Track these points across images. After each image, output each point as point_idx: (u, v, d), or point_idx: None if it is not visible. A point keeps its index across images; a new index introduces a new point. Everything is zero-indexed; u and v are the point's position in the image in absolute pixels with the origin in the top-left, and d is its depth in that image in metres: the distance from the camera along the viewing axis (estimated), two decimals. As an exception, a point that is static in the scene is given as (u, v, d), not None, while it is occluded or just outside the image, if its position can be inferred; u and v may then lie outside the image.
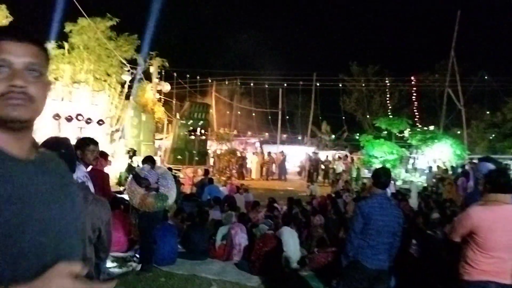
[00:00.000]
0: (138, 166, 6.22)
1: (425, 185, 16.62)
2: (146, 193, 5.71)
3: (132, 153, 10.64)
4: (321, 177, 22.25)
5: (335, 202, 10.24)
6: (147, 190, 5.76)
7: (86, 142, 3.84)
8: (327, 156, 23.25)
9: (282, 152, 24.36)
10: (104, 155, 5.92)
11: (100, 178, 5.66)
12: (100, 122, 13.60)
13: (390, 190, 16.22)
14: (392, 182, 17.15)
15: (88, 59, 20.51)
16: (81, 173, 3.49)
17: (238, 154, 23.21)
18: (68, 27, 20.19)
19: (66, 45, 20.40)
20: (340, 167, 20.77)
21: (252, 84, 28.26)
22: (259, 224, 7.19)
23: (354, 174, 18.64)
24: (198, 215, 10.06)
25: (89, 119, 12.61)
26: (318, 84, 26.07)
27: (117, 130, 19.21)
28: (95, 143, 3.99)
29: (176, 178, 13.33)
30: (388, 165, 19.14)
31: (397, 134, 21.80)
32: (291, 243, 6.35)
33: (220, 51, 33.86)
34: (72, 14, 19.77)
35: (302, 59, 35.13)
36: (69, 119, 12.22)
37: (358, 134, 29.79)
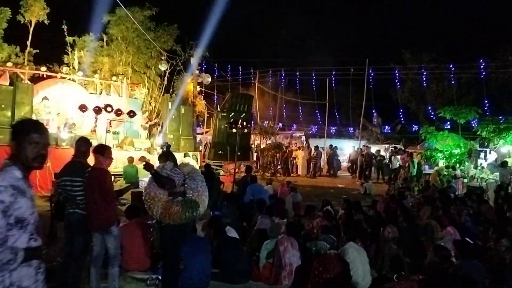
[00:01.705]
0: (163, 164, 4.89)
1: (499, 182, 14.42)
2: (171, 200, 4.40)
3: (167, 147, 9.37)
4: (374, 173, 20.39)
5: (402, 205, 8.55)
6: (171, 195, 4.44)
7: (26, 129, 2.30)
8: (379, 150, 21.30)
9: (331, 146, 22.63)
10: (100, 151, 4.68)
11: (97, 178, 4.41)
12: (131, 113, 12.50)
13: (459, 189, 14.30)
14: (460, 180, 15.15)
15: (126, 51, 19.83)
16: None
17: (283, 149, 21.76)
18: (106, 18, 19.47)
19: (104, 37, 19.78)
20: (396, 162, 18.83)
21: (298, 74, 26.61)
22: (318, 240, 5.68)
23: (414, 171, 16.66)
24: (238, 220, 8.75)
25: (119, 110, 11.51)
26: (371, 73, 23.99)
27: (156, 124, 18.30)
28: (40, 130, 2.37)
29: (215, 175, 12.13)
30: (453, 160, 17.05)
31: (463, 125, 19.45)
32: (358, 265, 4.83)
33: (264, 39, 32.35)
34: (110, 4, 19.04)
35: (350, 48, 32.87)
36: (97, 110, 11.15)
37: (413, 126, 27.52)
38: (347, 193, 15.96)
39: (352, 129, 27.76)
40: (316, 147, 22.39)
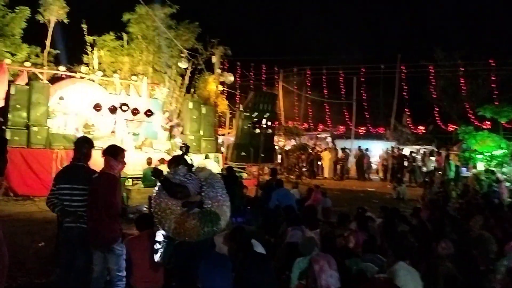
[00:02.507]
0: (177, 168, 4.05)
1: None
2: (186, 212, 3.63)
3: (185, 149, 8.62)
4: (405, 176, 19.27)
5: (448, 214, 7.57)
6: (186, 206, 3.66)
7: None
8: (414, 151, 20.16)
9: (359, 147, 21.60)
10: (112, 153, 3.93)
11: (106, 186, 3.67)
12: (148, 112, 11.86)
13: (503, 193, 13.12)
14: (502, 184, 13.94)
15: (147, 50, 19.34)
16: None
17: (309, 151, 20.89)
18: (126, 16, 19.04)
19: (124, 36, 19.35)
20: (430, 164, 17.68)
21: (324, 72, 25.60)
22: (359, 257, 4.79)
23: (452, 174, 15.51)
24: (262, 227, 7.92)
25: (136, 109, 10.87)
26: (404, 69, 22.77)
27: (177, 125, 17.68)
28: None
29: (237, 178, 11.35)
30: (495, 163, 15.82)
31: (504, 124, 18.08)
32: (412, 289, 3.93)
33: (288, 37, 31.30)
34: (130, 2, 18.60)
35: (378, 45, 31.62)
36: (112, 109, 10.53)
37: (446, 126, 26.16)
38: (379, 198, 14.99)
39: (381, 129, 26.59)
40: (343, 149, 21.43)
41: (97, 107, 10.96)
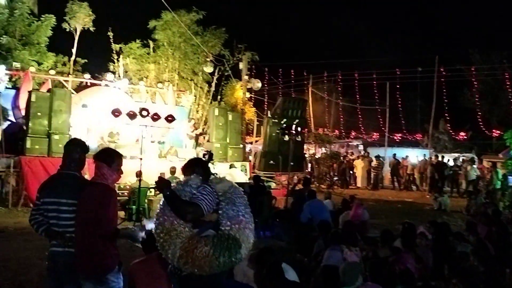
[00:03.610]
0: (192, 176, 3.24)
1: None
2: (196, 235, 2.86)
3: (208, 156, 7.88)
4: (446, 185, 18.03)
5: (506, 229, 6.55)
6: (197, 228, 2.91)
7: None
8: (455, 159, 18.90)
9: (394, 155, 20.48)
10: (106, 158, 3.22)
11: (96, 199, 2.97)
12: (169, 118, 11.28)
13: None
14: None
15: (173, 57, 18.97)
16: None
17: (341, 159, 19.94)
18: (152, 23, 18.75)
19: (151, 43, 19.06)
20: (473, 173, 16.40)
21: (356, 77, 24.60)
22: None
23: (498, 183, 14.25)
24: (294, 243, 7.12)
25: (156, 114, 10.30)
26: (439, 74, 21.54)
27: (203, 133, 17.17)
28: None
29: (265, 189, 10.59)
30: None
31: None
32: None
33: (318, 41, 30.31)
34: (155, 10, 18.30)
35: (412, 48, 30.19)
36: (131, 115, 10.00)
37: (485, 132, 24.65)
38: (418, 209, 13.92)
39: (416, 136, 25.29)
40: (377, 157, 20.35)
41: (116, 112, 10.44)
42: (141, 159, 10.00)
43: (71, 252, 3.06)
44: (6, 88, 13.60)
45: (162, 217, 2.92)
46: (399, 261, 4.58)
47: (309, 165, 20.34)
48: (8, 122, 13.39)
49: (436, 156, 18.92)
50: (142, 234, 3.42)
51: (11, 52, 15.58)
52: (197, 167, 3.25)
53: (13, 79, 14.71)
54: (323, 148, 21.66)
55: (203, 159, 8.40)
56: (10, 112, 13.58)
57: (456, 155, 22.04)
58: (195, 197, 2.93)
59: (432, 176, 17.61)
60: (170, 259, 2.86)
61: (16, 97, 13.51)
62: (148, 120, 10.00)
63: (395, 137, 25.18)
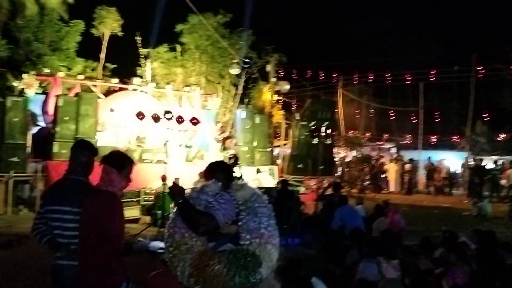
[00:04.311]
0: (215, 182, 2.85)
1: None
2: (209, 250, 2.49)
3: (234, 160, 7.58)
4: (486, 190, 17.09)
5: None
6: (213, 240, 2.54)
7: None
8: (486, 163, 17.99)
9: (429, 158, 19.67)
10: (115, 162, 2.88)
11: (100, 208, 2.65)
12: (193, 120, 11.04)
13: None
14: None
15: (200, 60, 18.87)
16: None
17: (372, 162, 19.30)
18: (179, 27, 18.73)
19: (178, 47, 19.03)
20: (515, 177, 15.48)
21: (388, 77, 23.79)
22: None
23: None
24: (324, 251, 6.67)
25: (180, 117, 10.08)
26: (481, 71, 20.49)
27: (230, 137, 16.91)
28: None
29: (294, 194, 10.17)
30: None
31: None
32: None
33: (348, 40, 29.52)
34: (182, 13, 18.26)
35: (446, 47, 28.91)
36: (155, 118, 9.81)
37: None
38: (456, 215, 13.17)
39: (453, 139, 24.23)
40: (411, 160, 19.58)
41: (140, 115, 10.30)
42: (165, 163, 9.79)
43: (76, 266, 2.75)
44: (36, 93, 13.70)
45: (172, 228, 2.57)
46: (446, 275, 4.09)
47: (339, 169, 19.78)
48: (38, 127, 13.51)
49: (476, 159, 18.01)
50: (157, 244, 3.09)
51: (41, 58, 15.81)
52: (217, 172, 2.87)
53: (43, 85, 14.84)
54: (354, 152, 21.04)
55: (229, 162, 8.11)
56: (40, 118, 13.70)
57: (495, 157, 20.99)
58: (210, 206, 2.56)
59: (470, 180, 16.73)
60: (179, 278, 2.50)
61: (45, 102, 13.60)
62: (173, 123, 9.79)
63: (430, 140, 24.20)
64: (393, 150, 24.32)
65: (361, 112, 26.33)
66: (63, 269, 2.84)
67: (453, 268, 4.39)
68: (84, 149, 3.08)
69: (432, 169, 19.02)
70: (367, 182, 19.08)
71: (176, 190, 2.60)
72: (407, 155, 21.47)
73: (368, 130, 26.09)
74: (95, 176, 2.99)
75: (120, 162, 2.95)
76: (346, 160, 20.47)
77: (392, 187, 19.32)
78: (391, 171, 19.51)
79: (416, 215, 12.76)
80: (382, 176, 19.76)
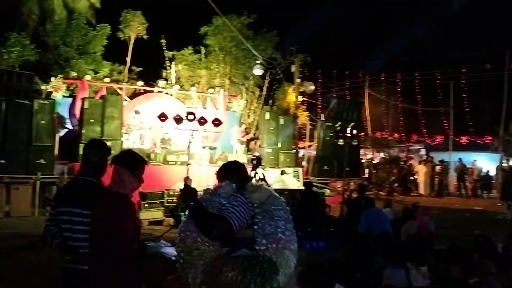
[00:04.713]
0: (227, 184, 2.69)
1: None
2: (223, 255, 2.34)
3: (257, 161, 7.44)
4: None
5: None
6: (228, 245, 2.39)
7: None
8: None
9: (460, 159, 19.03)
10: (128, 163, 2.76)
11: (112, 211, 2.53)
12: (216, 121, 10.95)
13: None
14: None
15: (224, 62, 18.82)
16: None
17: (401, 164, 18.81)
18: (203, 29, 18.75)
19: (202, 49, 19.06)
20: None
21: (417, 76, 23.14)
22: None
23: None
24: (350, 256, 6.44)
25: (202, 118, 10.01)
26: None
27: (254, 138, 16.80)
28: None
29: (318, 196, 9.94)
30: None
31: None
32: None
33: (374, 39, 28.78)
34: (207, 15, 18.27)
35: (477, 43, 27.74)
36: (177, 119, 9.77)
37: None
38: (489, 219, 12.65)
39: (485, 139, 23.36)
40: (441, 161, 18.98)
41: (162, 117, 10.29)
42: (188, 164, 9.73)
43: (85, 270, 2.65)
44: (64, 96, 13.95)
45: (184, 232, 2.43)
46: (483, 286, 3.81)
47: (366, 171, 19.35)
48: (66, 130, 13.74)
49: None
50: (171, 251, 2.96)
51: (69, 61, 16.09)
52: (231, 172, 2.72)
53: (71, 88, 15.10)
54: (382, 153, 20.55)
55: (251, 164, 7.97)
56: (68, 120, 13.93)
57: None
58: (224, 209, 2.41)
59: (504, 182, 16.08)
60: (191, 284, 2.35)
61: (72, 105, 13.85)
62: (195, 124, 9.72)
63: (461, 141, 23.42)
64: (423, 151, 23.68)
65: (388, 113, 25.70)
66: (72, 273, 2.74)
67: (489, 277, 4.09)
68: (95, 148, 2.99)
69: (463, 171, 18.39)
70: (396, 184, 18.60)
71: (187, 192, 2.46)
72: (437, 156, 20.83)
73: (396, 131, 25.47)
74: (108, 177, 2.89)
75: (132, 162, 2.84)
76: (373, 162, 20.01)
77: (422, 189, 18.80)
78: (421, 173, 18.98)
79: (447, 218, 12.32)
80: (411, 178, 19.26)
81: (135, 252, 2.61)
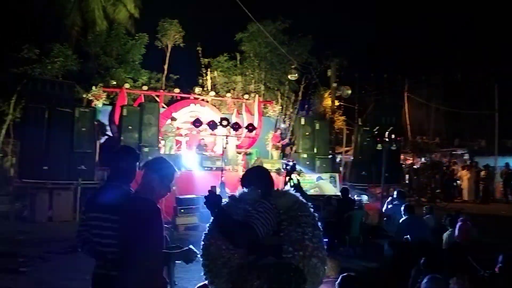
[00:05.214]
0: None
1: None
2: (247, 264, 2.26)
3: (291, 167, 7.36)
4: None
5: None
6: (254, 253, 2.31)
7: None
8: None
9: (507, 164, 18.14)
10: (159, 169, 2.71)
11: (137, 217, 2.50)
12: (250, 127, 10.92)
13: None
14: None
15: (259, 68, 18.86)
16: None
17: (443, 169, 18.14)
18: (238, 35, 18.87)
19: (238, 55, 19.18)
20: None
21: (459, 78, 22.32)
22: None
23: None
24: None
25: (236, 124, 10.01)
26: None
27: (290, 143, 16.67)
28: None
29: (355, 202, 9.68)
30: None
31: None
32: None
33: (412, 39, 27.87)
34: (242, 22, 18.40)
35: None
36: (212, 125, 9.80)
37: None
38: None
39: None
40: (486, 166, 18.15)
41: (197, 123, 10.37)
42: (222, 170, 9.75)
43: (115, 277, 2.63)
44: (104, 104, 14.35)
45: (208, 240, 2.37)
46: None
47: (407, 176, 18.78)
48: (106, 137, 14.13)
49: None
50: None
51: (109, 70, 16.57)
52: (256, 178, 2.64)
53: (111, 96, 15.53)
54: (423, 158, 19.90)
55: (286, 169, 7.86)
56: (108, 128, 14.32)
57: None
58: (249, 216, 2.33)
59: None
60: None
61: (112, 113, 14.23)
62: (229, 130, 9.74)
63: (507, 145, 22.33)
64: (466, 156, 22.75)
65: (429, 116, 24.90)
66: (101, 279, 2.74)
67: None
68: (125, 154, 2.99)
69: (510, 176, 17.48)
70: (438, 190, 17.92)
71: (212, 199, 2.40)
72: (482, 161, 19.94)
73: (437, 135, 24.62)
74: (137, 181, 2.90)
75: (163, 169, 2.81)
76: (414, 167, 19.39)
77: (466, 195, 18.04)
78: (464, 178, 18.24)
79: (493, 226, 11.71)
80: (454, 184, 18.53)
81: (160, 257, 2.58)
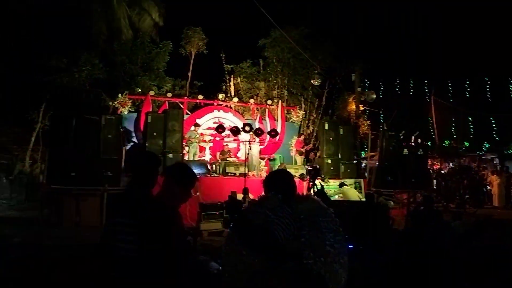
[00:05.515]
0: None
1: None
2: (267, 270, 2.22)
3: (314, 172, 7.26)
4: None
5: None
6: (274, 259, 2.27)
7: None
8: None
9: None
10: (180, 176, 2.71)
11: (157, 223, 2.49)
12: (272, 133, 10.87)
13: None
14: None
15: (282, 73, 18.88)
16: None
17: (472, 174, 17.63)
18: (261, 41, 18.97)
19: (261, 61, 19.24)
20: None
21: (488, 81, 21.70)
22: None
23: None
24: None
25: (259, 129, 9.97)
26: None
27: (314, 149, 16.55)
28: None
29: (380, 208, 9.48)
30: None
31: None
32: None
33: (439, 42, 27.25)
34: (264, 28, 18.46)
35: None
36: (235, 130, 9.80)
37: None
38: None
39: None
40: (518, 171, 17.54)
41: (220, 129, 10.39)
42: (245, 175, 9.72)
43: (137, 281, 2.63)
44: (130, 111, 14.58)
45: (229, 246, 2.35)
46: None
47: (434, 181, 18.32)
48: (132, 143, 14.34)
49: None
50: (215, 265, 2.87)
51: (134, 78, 16.86)
52: (276, 183, 2.61)
53: (136, 103, 15.78)
54: (451, 163, 19.41)
55: (310, 174, 7.78)
56: (133, 134, 14.54)
57: None
58: (269, 221, 2.30)
59: None
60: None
61: (137, 120, 14.44)
62: (252, 135, 9.72)
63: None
64: (497, 160, 22.05)
65: (457, 120, 24.27)
66: (124, 283, 2.75)
67: None
68: (147, 159, 3.00)
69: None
70: (467, 196, 17.41)
71: (234, 204, 2.38)
72: (512, 166, 19.32)
73: (466, 140, 23.97)
74: (158, 187, 2.90)
75: (184, 175, 2.82)
76: (442, 172, 18.92)
77: (496, 201, 17.43)
78: (494, 183, 17.63)
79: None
80: (484, 189, 17.97)
81: (183, 262, 2.57)
